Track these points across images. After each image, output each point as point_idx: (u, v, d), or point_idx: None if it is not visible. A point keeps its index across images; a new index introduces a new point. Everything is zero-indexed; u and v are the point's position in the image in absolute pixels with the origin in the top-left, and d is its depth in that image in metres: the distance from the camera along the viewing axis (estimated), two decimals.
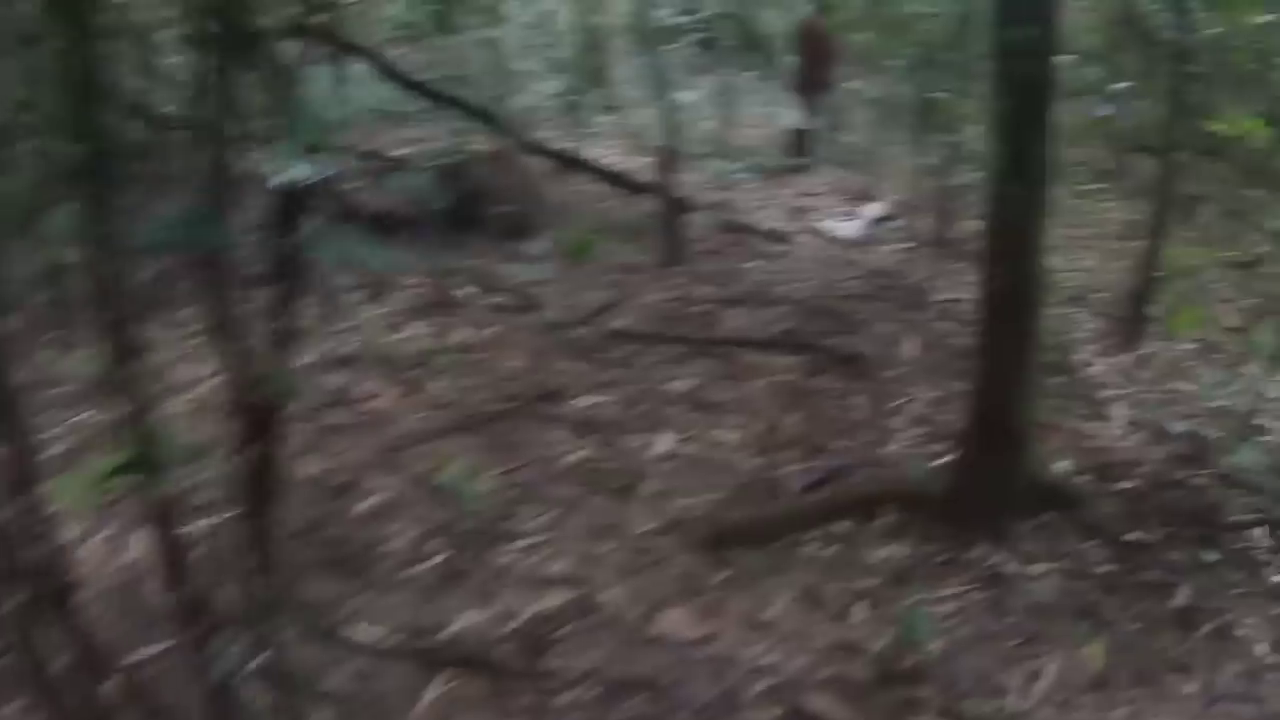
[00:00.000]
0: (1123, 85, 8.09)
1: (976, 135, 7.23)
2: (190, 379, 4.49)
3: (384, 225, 7.92)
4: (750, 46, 18.04)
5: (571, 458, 4.55)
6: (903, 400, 5.12)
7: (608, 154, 11.14)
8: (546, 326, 5.91)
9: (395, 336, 5.97)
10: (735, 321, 6.11)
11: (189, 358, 4.55)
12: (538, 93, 12.86)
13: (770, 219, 8.77)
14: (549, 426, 4.86)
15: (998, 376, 3.80)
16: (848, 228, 8.37)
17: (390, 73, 8.01)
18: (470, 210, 7.86)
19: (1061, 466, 4.32)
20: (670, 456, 4.61)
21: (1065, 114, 4.07)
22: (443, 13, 7.89)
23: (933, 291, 6.78)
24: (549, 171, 8.90)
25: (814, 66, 11.08)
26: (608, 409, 5.06)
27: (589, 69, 13.41)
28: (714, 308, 6.32)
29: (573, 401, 5.14)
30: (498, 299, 6.42)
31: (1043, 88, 3.35)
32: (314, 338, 4.94)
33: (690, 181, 9.57)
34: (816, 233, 8.46)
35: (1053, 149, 3.49)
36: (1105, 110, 8.99)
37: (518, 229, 7.87)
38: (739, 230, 8.08)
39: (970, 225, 8.67)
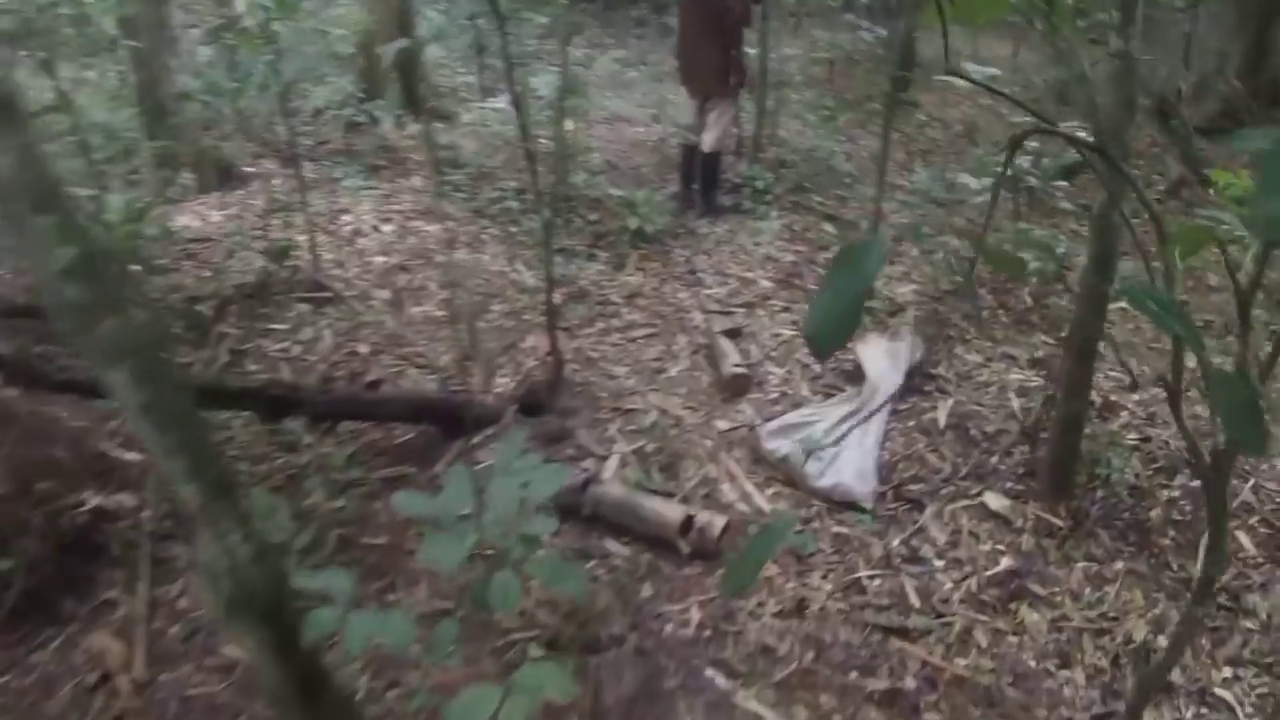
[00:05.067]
0: None
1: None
2: None
3: None
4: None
5: None
6: None
7: (381, 225, 6.13)
8: None
9: None
10: None
11: None
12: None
13: (649, 428, 3.91)
14: None
15: None
16: (848, 469, 3.53)
17: None
18: None
19: None
20: None
21: None
22: None
23: None
24: None
25: (710, 36, 6.03)
26: None
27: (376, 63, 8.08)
28: None
29: None
30: None
31: None
32: None
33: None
34: (763, 464, 3.65)
35: None
36: None
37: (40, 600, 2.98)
38: (593, 517, 3.23)
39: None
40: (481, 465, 3.55)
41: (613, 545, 3.21)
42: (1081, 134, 5.44)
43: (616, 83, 9.22)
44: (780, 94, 7.67)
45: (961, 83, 5.98)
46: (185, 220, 5.88)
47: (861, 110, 8.52)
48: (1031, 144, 5.42)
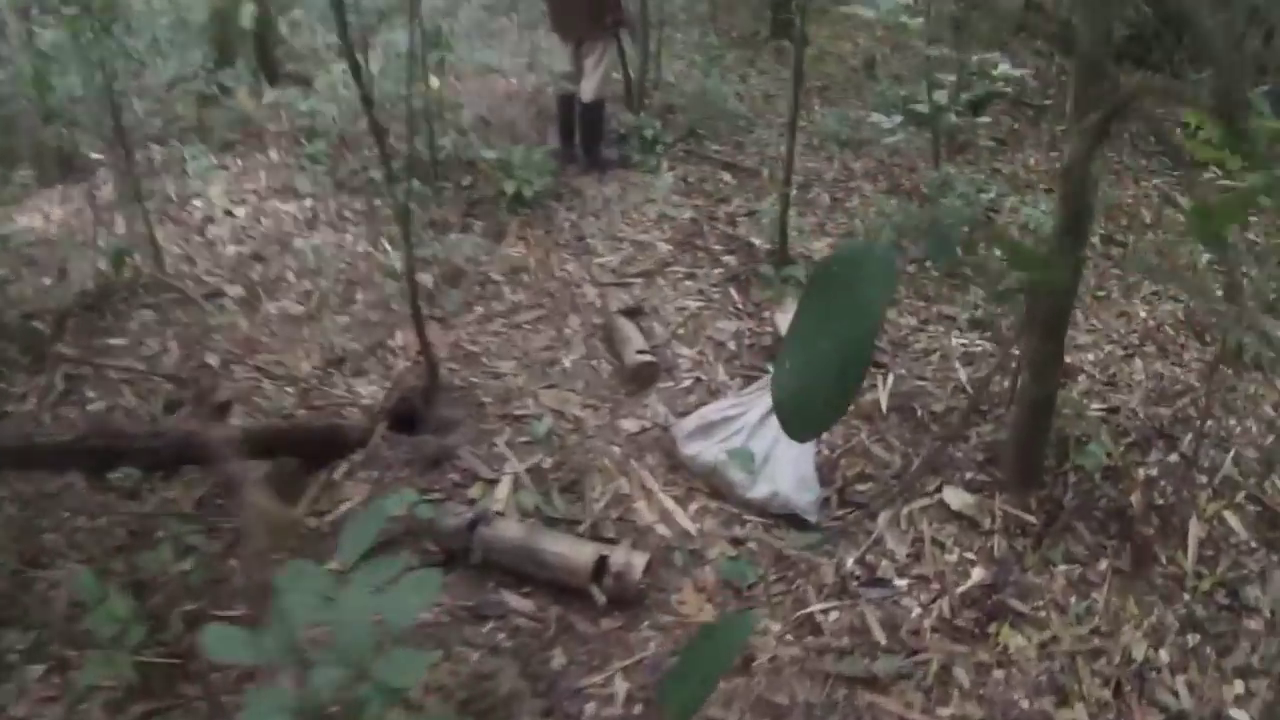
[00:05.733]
0: None
1: None
2: None
3: None
4: None
5: None
6: None
7: (234, 209, 5.31)
8: None
9: None
10: None
11: None
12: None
13: (545, 438, 3.30)
14: None
15: None
16: (784, 474, 2.99)
17: None
18: None
19: None
20: None
21: None
22: None
23: None
24: None
25: None
26: None
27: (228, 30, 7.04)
28: None
29: None
30: None
31: None
32: None
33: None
34: (682, 471, 3.09)
35: None
36: None
37: None
38: (486, 563, 2.62)
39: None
40: (348, 505, 2.91)
41: (512, 599, 2.61)
42: (1004, 67, 4.94)
43: (485, 32, 8.40)
44: (663, 34, 7.03)
45: (859, 12, 5.39)
46: (26, 220, 5.02)
47: (750, 47, 7.94)
48: (949, 77, 4.91)
